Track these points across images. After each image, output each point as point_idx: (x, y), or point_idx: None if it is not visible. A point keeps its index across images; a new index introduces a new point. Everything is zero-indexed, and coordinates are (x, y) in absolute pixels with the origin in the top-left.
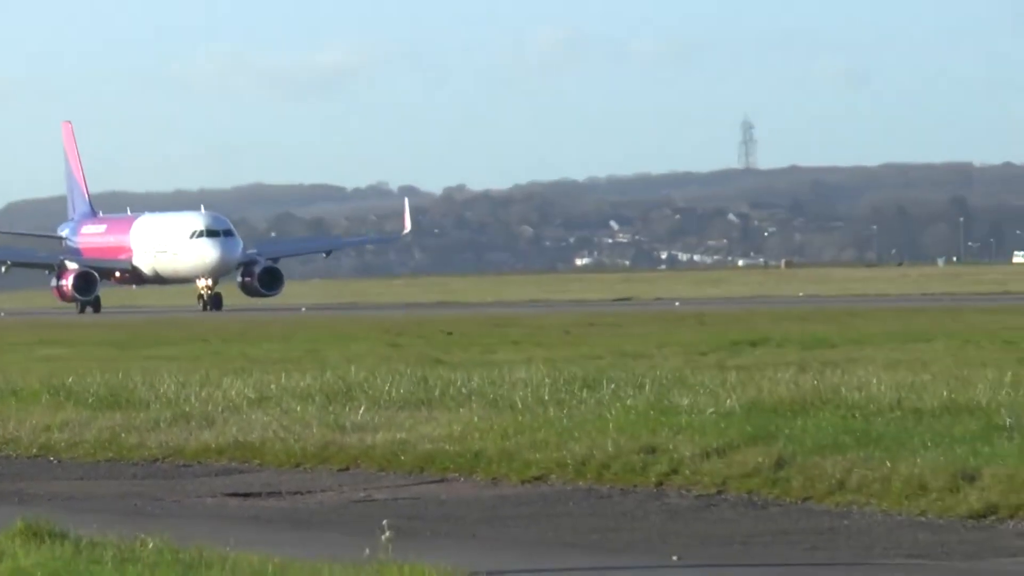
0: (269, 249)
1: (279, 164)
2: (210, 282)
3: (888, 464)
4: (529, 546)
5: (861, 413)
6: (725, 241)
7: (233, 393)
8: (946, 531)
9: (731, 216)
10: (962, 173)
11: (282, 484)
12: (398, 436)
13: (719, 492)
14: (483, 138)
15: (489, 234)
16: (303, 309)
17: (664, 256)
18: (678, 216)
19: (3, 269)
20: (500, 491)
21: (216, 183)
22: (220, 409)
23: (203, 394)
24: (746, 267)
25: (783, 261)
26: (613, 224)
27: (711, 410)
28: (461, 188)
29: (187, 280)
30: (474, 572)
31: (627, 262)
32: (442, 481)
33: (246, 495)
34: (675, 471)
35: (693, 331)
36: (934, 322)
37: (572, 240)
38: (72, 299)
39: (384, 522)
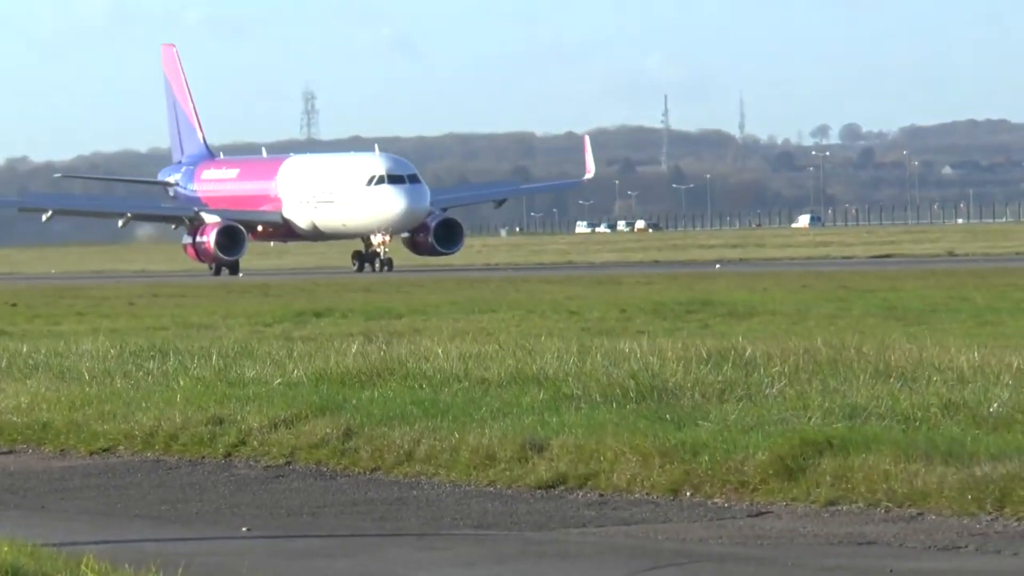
0: (440, 197)
1: None
2: (387, 238)
3: (456, 435)
4: (99, 517)
5: (428, 383)
6: None
7: None
8: (515, 501)
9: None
10: (524, 143)
11: None
12: None
13: (288, 463)
14: (42, 109)
15: None
16: None
17: None
18: None
19: (120, 223)
20: (69, 462)
21: None
22: None
23: None
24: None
25: None
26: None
27: (278, 381)
28: (24, 160)
29: (356, 235)
30: (44, 543)
31: None
32: (10, 452)
33: None
34: (243, 442)
35: (257, 301)
36: (498, 292)
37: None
38: (213, 259)
39: None
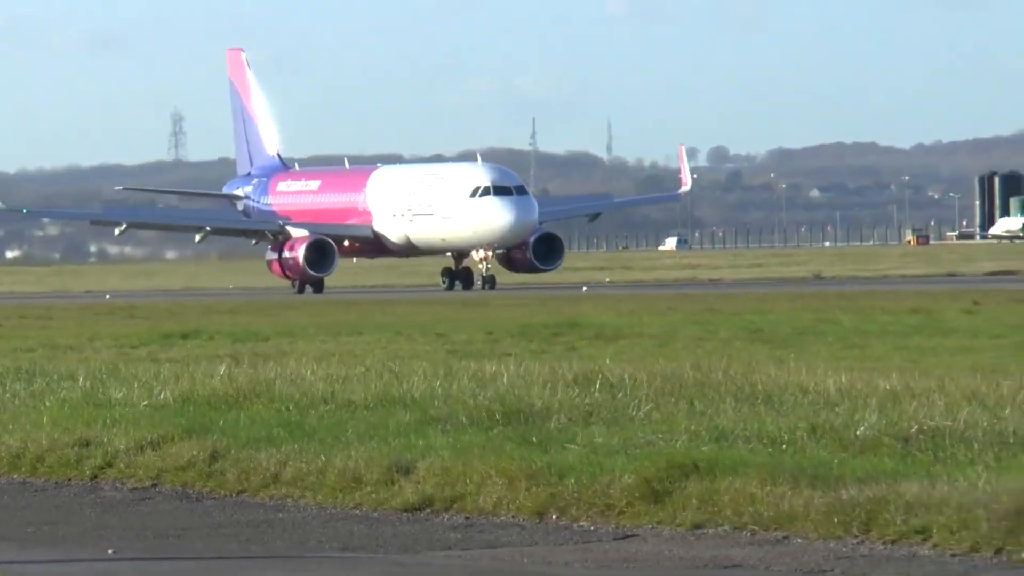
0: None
1: None
2: (490, 254)
3: (323, 457)
4: None
5: (295, 406)
6: (155, 234)
7: None
8: (381, 524)
9: (162, 208)
10: (392, 164)
11: None
12: None
13: (154, 485)
14: None
15: None
16: None
17: (94, 249)
18: None
19: (198, 237)
20: None
21: None
22: None
23: None
24: (178, 260)
25: (216, 254)
26: (44, 218)
27: (145, 403)
28: None
29: (456, 251)
30: None
31: (57, 255)
32: None
33: None
34: (110, 464)
35: (124, 324)
36: (364, 315)
37: (2, 233)
38: (302, 275)
39: None
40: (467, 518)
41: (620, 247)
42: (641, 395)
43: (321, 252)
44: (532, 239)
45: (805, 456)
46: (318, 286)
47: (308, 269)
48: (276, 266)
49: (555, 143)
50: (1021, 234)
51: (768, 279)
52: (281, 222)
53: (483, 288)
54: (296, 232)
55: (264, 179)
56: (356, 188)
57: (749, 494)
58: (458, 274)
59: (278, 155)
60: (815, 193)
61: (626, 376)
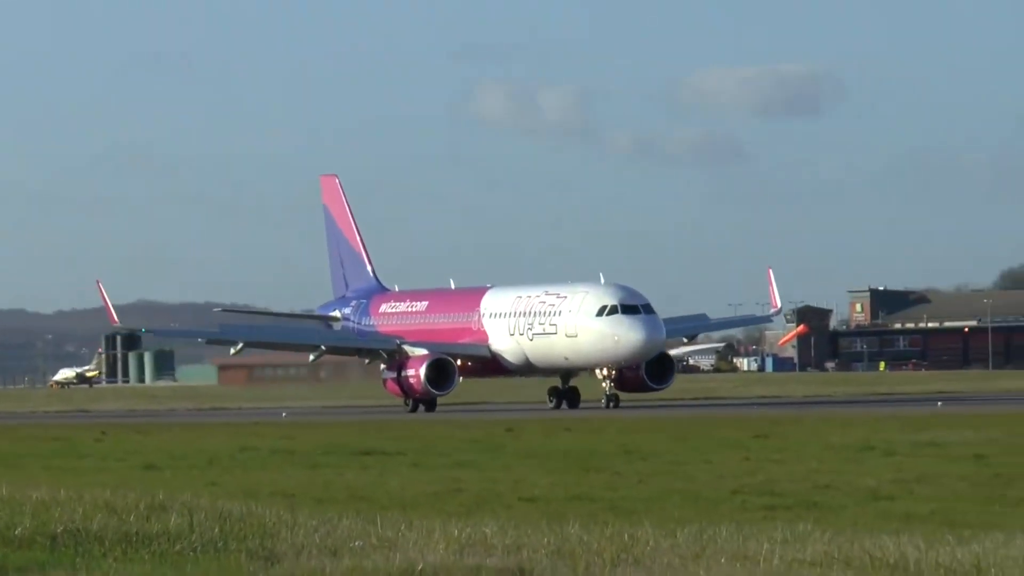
0: None
1: None
2: (614, 372)
3: None
4: None
5: None
6: None
7: None
8: None
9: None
10: None
11: None
12: None
13: None
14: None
15: None
16: None
17: None
18: None
19: (312, 357)
20: None
21: None
22: None
23: None
24: None
25: None
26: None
27: None
28: None
29: (576, 370)
30: None
31: None
32: None
33: None
34: None
35: None
36: None
37: None
38: (423, 394)
39: None
40: None
41: None
42: None
43: (441, 371)
44: None
45: None
46: (431, 405)
47: (429, 387)
48: (392, 384)
49: None
50: (75, 381)
51: None
52: (398, 341)
53: (607, 406)
54: (413, 351)
55: (363, 301)
56: (469, 308)
57: None
58: (565, 393)
59: (375, 277)
60: None
61: None
